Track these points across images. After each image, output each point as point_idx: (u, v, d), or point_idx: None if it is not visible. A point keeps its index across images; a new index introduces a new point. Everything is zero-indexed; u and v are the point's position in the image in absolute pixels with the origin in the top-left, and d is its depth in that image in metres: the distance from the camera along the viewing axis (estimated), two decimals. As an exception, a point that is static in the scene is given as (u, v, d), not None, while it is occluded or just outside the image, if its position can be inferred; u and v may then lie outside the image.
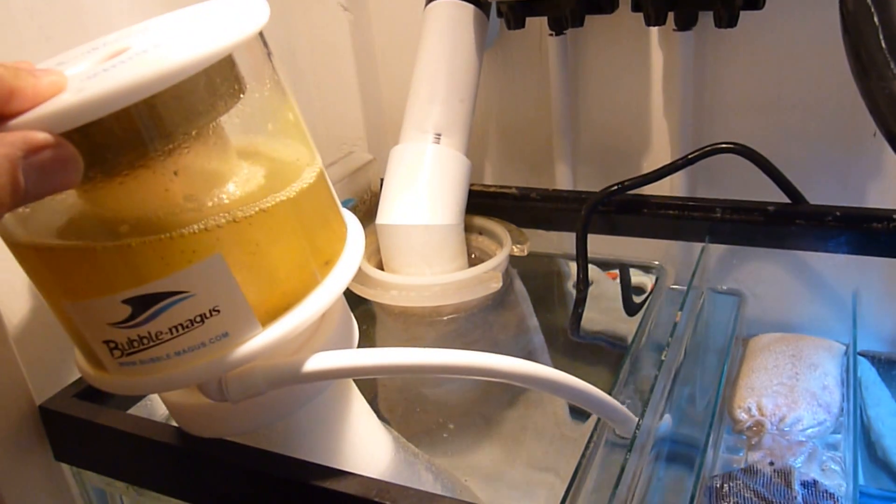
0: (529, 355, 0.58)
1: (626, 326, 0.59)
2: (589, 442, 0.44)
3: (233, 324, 0.30)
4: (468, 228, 0.62)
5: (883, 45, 0.35)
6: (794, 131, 0.61)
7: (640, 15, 0.57)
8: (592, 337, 0.60)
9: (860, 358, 0.62)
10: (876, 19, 0.36)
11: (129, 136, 0.27)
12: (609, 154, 0.68)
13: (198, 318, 0.29)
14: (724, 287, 0.65)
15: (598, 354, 0.59)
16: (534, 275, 0.66)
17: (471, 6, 0.59)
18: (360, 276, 0.58)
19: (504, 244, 0.60)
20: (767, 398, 0.53)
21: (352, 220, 0.37)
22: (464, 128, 0.59)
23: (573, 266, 0.60)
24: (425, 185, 0.57)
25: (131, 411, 0.46)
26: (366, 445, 0.40)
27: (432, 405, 0.57)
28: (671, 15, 0.58)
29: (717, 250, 0.63)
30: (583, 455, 0.43)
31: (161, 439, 0.39)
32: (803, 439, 0.50)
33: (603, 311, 0.62)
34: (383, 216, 0.57)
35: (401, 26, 0.70)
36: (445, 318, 0.58)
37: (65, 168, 0.25)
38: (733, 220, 0.58)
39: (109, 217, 0.29)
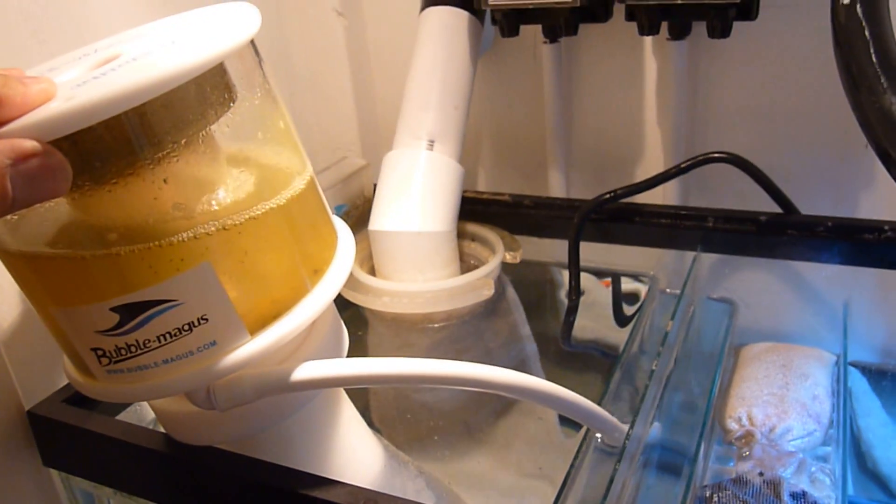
0: (521, 363, 0.58)
1: (619, 335, 0.59)
2: (579, 450, 0.44)
3: (221, 332, 0.30)
4: (461, 235, 0.62)
5: (874, 58, 0.35)
6: (787, 142, 0.61)
7: (634, 24, 0.57)
8: (584, 345, 0.60)
9: (851, 368, 0.62)
10: (867, 33, 0.36)
11: (118, 145, 0.27)
12: (602, 162, 0.68)
13: (186, 327, 0.29)
14: (716, 296, 0.65)
15: (590, 363, 0.59)
16: (526, 282, 0.66)
17: (465, 13, 0.59)
18: (352, 282, 0.58)
19: (497, 251, 0.60)
20: (758, 408, 0.53)
21: (342, 228, 0.37)
22: (457, 134, 0.59)
23: (566, 274, 0.60)
24: (418, 192, 0.57)
25: (120, 417, 0.46)
26: (356, 454, 0.40)
27: (423, 413, 0.56)
28: (665, 24, 0.58)
29: (709, 259, 0.63)
30: (572, 464, 0.43)
31: (149, 446, 0.38)
32: (793, 450, 0.50)
33: (596, 319, 0.62)
34: (376, 222, 0.57)
35: (395, 32, 0.70)
36: (437, 324, 0.58)
37: (53, 176, 0.25)
38: (725, 229, 0.58)
39: (98, 225, 0.29)
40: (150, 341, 0.29)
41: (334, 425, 0.38)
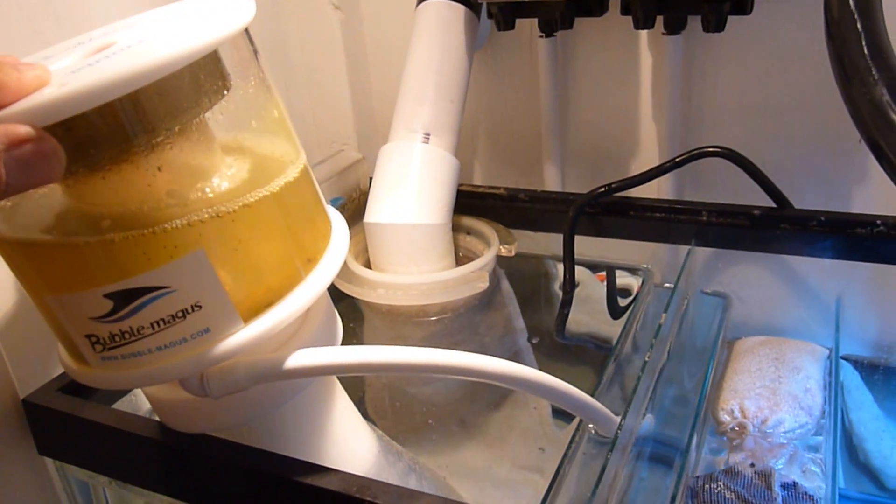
0: (515, 356, 0.59)
1: (613, 328, 0.59)
2: (571, 441, 0.44)
3: (214, 320, 0.30)
4: (456, 228, 0.62)
5: (866, 51, 0.36)
6: (781, 136, 0.61)
7: (630, 18, 0.57)
8: (579, 338, 0.60)
9: (844, 362, 0.62)
10: (859, 26, 0.36)
11: (112, 131, 0.27)
12: (597, 156, 0.68)
13: (179, 314, 0.29)
14: (710, 290, 0.66)
15: (585, 356, 0.60)
16: (521, 276, 0.66)
17: (462, 7, 0.60)
18: (347, 274, 0.58)
19: (492, 244, 0.60)
20: (750, 400, 0.53)
21: (337, 218, 0.37)
22: (453, 128, 0.60)
23: (561, 267, 0.61)
24: (413, 185, 0.57)
25: (116, 406, 0.47)
26: (349, 443, 0.40)
27: (418, 404, 0.57)
28: (660, 19, 0.58)
29: (703, 253, 0.63)
30: (565, 454, 0.43)
31: (144, 434, 0.39)
32: (784, 441, 0.51)
33: (590, 312, 0.63)
34: (371, 215, 0.57)
35: (392, 26, 0.70)
36: (432, 317, 0.58)
37: (47, 162, 0.25)
38: (719, 223, 0.58)
39: (92, 212, 0.29)
40: (143, 328, 0.29)
41: (328, 414, 0.39)
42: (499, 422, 0.56)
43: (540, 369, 0.37)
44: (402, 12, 0.67)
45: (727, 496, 0.46)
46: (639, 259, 0.64)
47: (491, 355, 0.35)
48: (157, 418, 0.39)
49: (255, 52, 0.33)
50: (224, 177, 0.31)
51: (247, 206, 0.30)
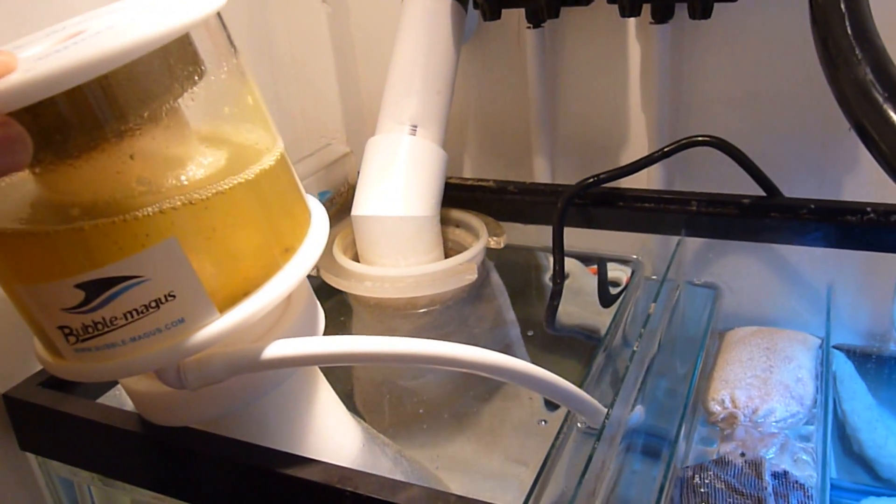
0: (506, 348, 0.58)
1: (603, 320, 0.59)
2: (559, 433, 0.44)
3: (189, 309, 0.30)
4: (445, 221, 0.61)
5: (849, 30, 0.35)
6: (770, 125, 0.60)
7: (616, 7, 0.57)
8: (568, 330, 0.60)
9: (837, 352, 0.62)
10: (843, 6, 0.36)
11: (81, 118, 0.27)
12: (587, 147, 0.68)
13: (153, 304, 0.29)
14: (701, 280, 0.65)
15: (574, 347, 0.59)
16: (511, 268, 0.66)
17: (448, -3, 0.59)
18: (334, 267, 0.58)
19: (480, 236, 0.60)
20: (741, 390, 0.53)
21: (317, 208, 0.37)
22: (440, 120, 0.59)
23: (551, 259, 0.60)
24: (401, 177, 0.56)
25: (101, 400, 0.46)
26: (332, 435, 0.40)
27: (407, 397, 0.56)
28: (647, 8, 0.58)
29: (693, 244, 0.63)
30: (552, 446, 0.43)
31: (126, 428, 0.38)
32: (776, 431, 0.50)
33: (581, 304, 0.62)
34: (358, 207, 0.57)
35: (379, 18, 0.70)
36: (421, 310, 0.58)
37: (12, 148, 0.25)
38: (709, 213, 0.58)
39: (62, 200, 0.28)
40: (116, 318, 0.29)
41: (310, 406, 0.38)
42: (490, 414, 0.56)
43: (530, 361, 0.36)
44: (390, 4, 0.67)
45: (717, 486, 0.46)
46: (629, 250, 0.64)
47: (481, 347, 0.34)
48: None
49: (229, 36, 0.32)
50: (199, 165, 0.30)
51: (220, 194, 0.29)
